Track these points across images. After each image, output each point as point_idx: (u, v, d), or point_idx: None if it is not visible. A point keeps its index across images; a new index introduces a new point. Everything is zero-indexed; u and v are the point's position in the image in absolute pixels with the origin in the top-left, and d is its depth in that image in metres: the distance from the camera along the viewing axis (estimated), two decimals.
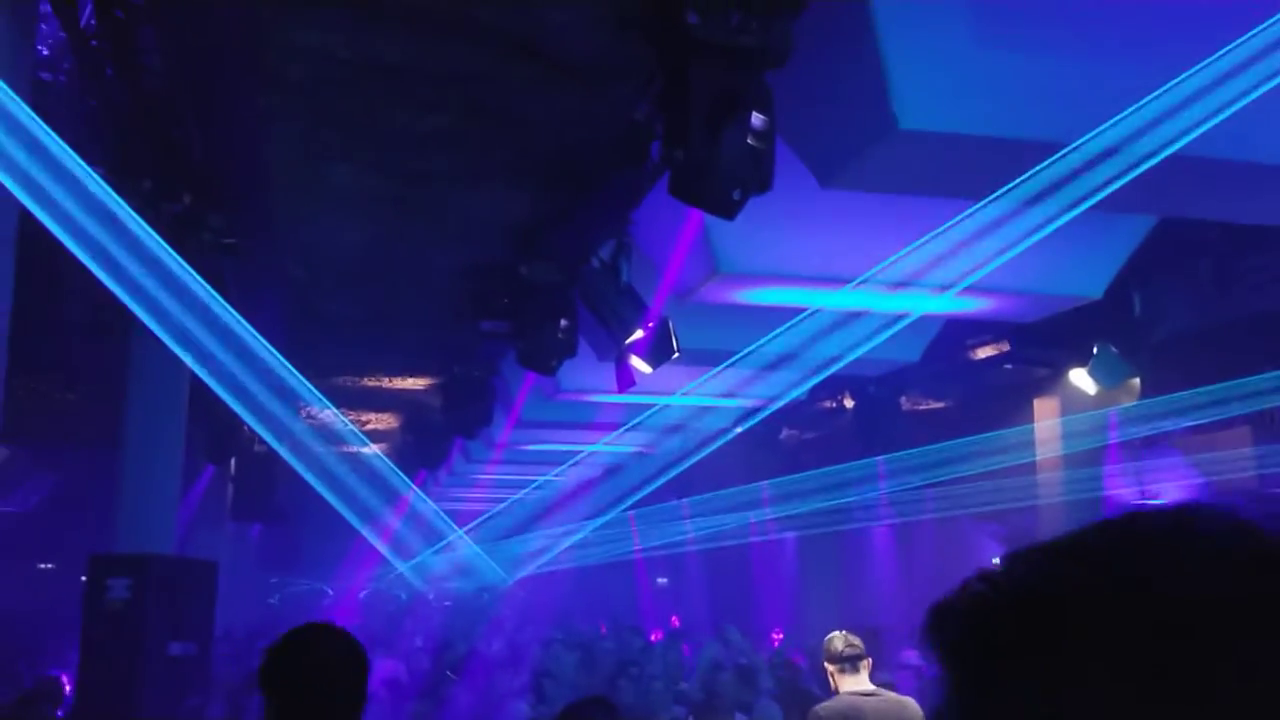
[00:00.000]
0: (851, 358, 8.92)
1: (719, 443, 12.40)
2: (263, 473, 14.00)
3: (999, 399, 10.97)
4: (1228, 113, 5.43)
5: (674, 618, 18.44)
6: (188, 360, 8.35)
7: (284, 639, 2.84)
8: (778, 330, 8.71)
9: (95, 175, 6.89)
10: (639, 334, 8.34)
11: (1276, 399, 8.55)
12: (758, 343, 9.10)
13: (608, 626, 15.50)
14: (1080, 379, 9.12)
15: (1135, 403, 9.29)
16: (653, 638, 14.15)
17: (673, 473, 13.86)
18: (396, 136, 6.87)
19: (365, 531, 14.22)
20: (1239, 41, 5.30)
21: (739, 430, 11.88)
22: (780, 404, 10.57)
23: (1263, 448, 9.61)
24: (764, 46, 5.17)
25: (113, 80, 6.76)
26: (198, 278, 7.82)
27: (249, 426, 10.67)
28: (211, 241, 7.94)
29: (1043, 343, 9.27)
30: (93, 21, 6.64)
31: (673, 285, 8.10)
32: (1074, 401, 9.73)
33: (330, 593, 20.85)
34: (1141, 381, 9.10)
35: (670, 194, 5.46)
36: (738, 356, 9.50)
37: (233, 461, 14.24)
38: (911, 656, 12.50)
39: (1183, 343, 8.97)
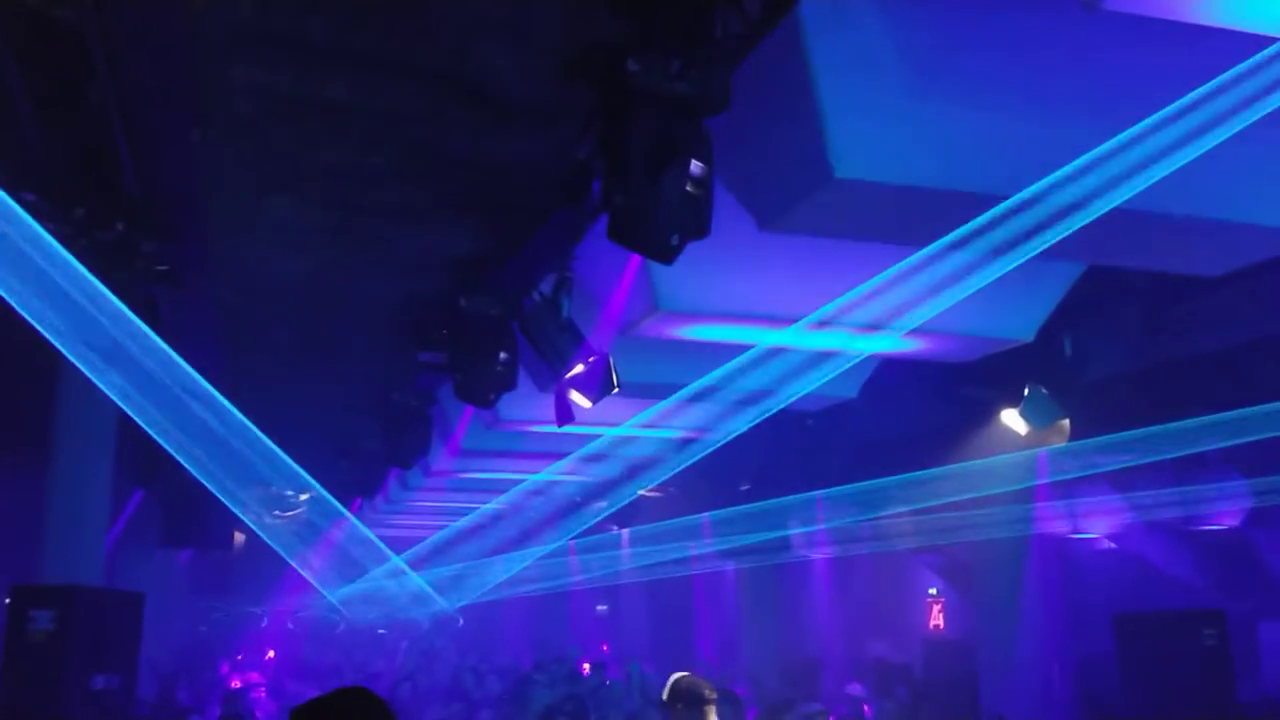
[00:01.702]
0: (791, 395, 8.98)
1: (661, 476, 12.41)
2: (194, 497, 13.75)
3: (934, 435, 11.10)
4: (1161, 168, 5.57)
5: (604, 645, 18.39)
6: (110, 394, 8.22)
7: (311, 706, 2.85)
8: (719, 366, 8.77)
9: (19, 200, 6.79)
10: (579, 369, 8.33)
11: (1203, 442, 8.73)
12: (699, 378, 9.15)
13: (547, 659, 15.42)
14: (1012, 419, 9.25)
15: (1066, 444, 9.44)
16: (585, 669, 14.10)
17: (615, 505, 13.86)
18: (338, 171, 6.83)
19: (296, 560, 14.03)
20: (1179, 103, 5.42)
21: (681, 464, 11.91)
22: (722, 440, 10.61)
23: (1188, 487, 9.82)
24: (703, 95, 5.21)
25: (45, 106, 6.66)
26: (124, 307, 7.71)
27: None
28: (144, 269, 7.83)
29: (975, 383, 9.39)
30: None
31: (614, 321, 8.12)
32: (1006, 441, 9.87)
33: (265, 620, 20.52)
34: (1071, 423, 9.24)
35: (609, 239, 5.48)
36: (679, 391, 9.54)
37: (163, 485, 13.97)
38: (855, 689, 12.56)
39: (1112, 385, 9.13)
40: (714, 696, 5.80)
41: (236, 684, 13.66)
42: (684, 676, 5.89)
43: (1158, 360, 8.78)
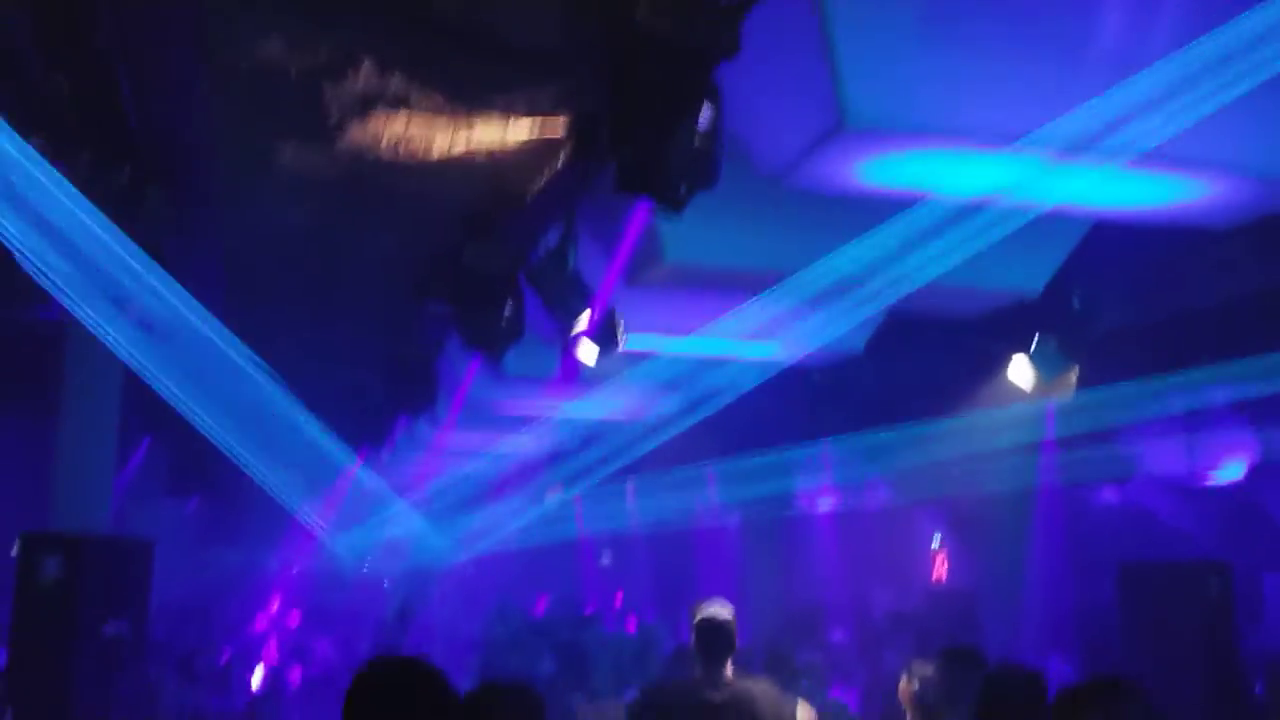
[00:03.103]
0: (800, 352, 8.97)
1: (668, 431, 12.45)
2: (202, 445, 13.80)
3: (941, 389, 11.09)
4: (1170, 117, 5.52)
5: (618, 594, 18.51)
6: (115, 347, 8.22)
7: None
8: (725, 319, 8.75)
9: (28, 145, 6.77)
10: (585, 321, 8.33)
11: (1211, 394, 8.72)
12: (705, 330, 9.14)
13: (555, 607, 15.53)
14: (1019, 373, 9.22)
15: (1072, 396, 9.43)
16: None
17: (622, 457, 13.91)
18: (343, 120, 6.78)
19: (304, 509, 14.12)
20: (1187, 48, 5.36)
21: (686, 420, 11.93)
22: (729, 397, 10.62)
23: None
24: (713, 42, 5.15)
25: (50, 50, 6.60)
26: (131, 254, 7.69)
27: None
28: (150, 217, 7.78)
29: (981, 336, 9.37)
30: None
31: (620, 273, 8.10)
32: (1013, 394, 9.86)
33: (275, 568, 20.65)
34: (1079, 375, 9.23)
35: (617, 189, 5.46)
36: (685, 344, 9.53)
37: (170, 434, 13.99)
38: (836, 635, 12.62)
39: (1121, 338, 9.10)
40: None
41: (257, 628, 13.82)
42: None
43: (1167, 312, 8.75)
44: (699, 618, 5.56)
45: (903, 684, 5.62)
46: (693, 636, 5.57)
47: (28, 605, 8.05)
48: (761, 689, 5.47)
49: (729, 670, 5.46)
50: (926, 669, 5.51)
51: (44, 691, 7.74)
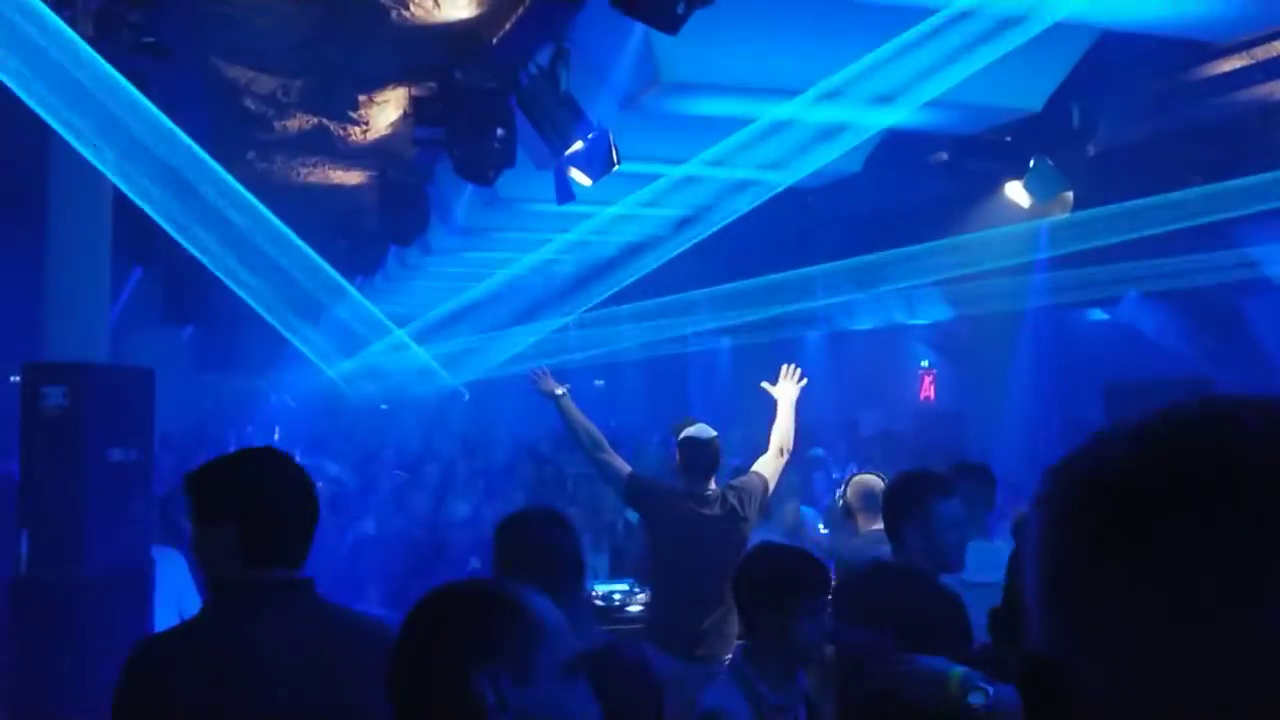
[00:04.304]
0: (800, 173, 8.88)
1: (662, 256, 12.42)
2: (195, 273, 13.73)
3: (935, 210, 11.05)
4: None
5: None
6: (103, 168, 8.08)
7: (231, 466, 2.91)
8: (722, 142, 8.64)
9: None
10: (579, 145, 8.20)
11: (1211, 213, 8.71)
12: (701, 154, 9.03)
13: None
14: (1015, 192, 9.18)
15: (1068, 215, 9.41)
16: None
17: (616, 284, 13.93)
18: None
19: (300, 337, 14.15)
20: None
21: (682, 245, 11.89)
22: (725, 219, 10.55)
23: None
24: None
25: None
26: (117, 76, 7.50)
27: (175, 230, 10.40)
28: (131, 40, 7.57)
29: (980, 156, 9.29)
30: None
31: (614, 94, 7.94)
32: (1009, 214, 9.83)
33: (274, 395, 20.80)
34: (1075, 195, 9.19)
35: (612, 5, 5.32)
36: (680, 167, 9.43)
37: (162, 262, 13.91)
38: (817, 451, 12.87)
39: (1119, 156, 9.04)
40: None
41: None
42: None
43: (1166, 130, 8.67)
44: (682, 435, 5.90)
45: (840, 493, 6.06)
46: (678, 454, 5.89)
47: (33, 434, 8.14)
48: (736, 493, 5.81)
49: (713, 484, 5.81)
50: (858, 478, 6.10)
51: (57, 516, 7.91)
